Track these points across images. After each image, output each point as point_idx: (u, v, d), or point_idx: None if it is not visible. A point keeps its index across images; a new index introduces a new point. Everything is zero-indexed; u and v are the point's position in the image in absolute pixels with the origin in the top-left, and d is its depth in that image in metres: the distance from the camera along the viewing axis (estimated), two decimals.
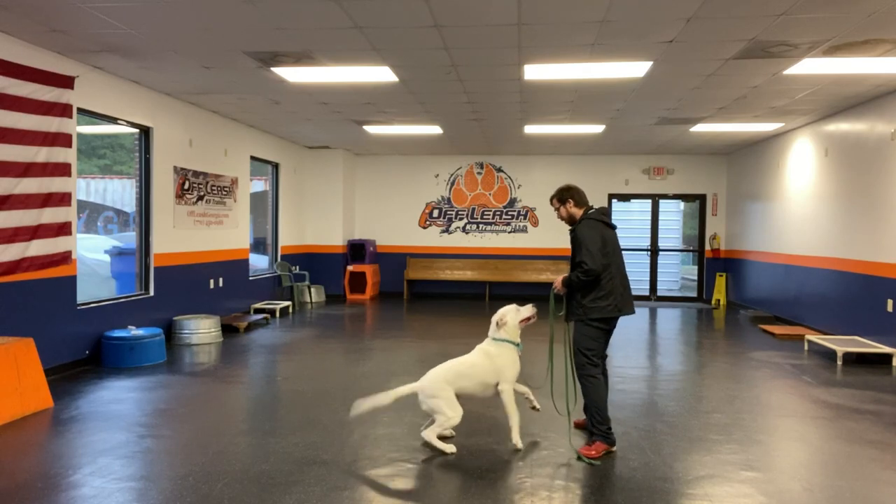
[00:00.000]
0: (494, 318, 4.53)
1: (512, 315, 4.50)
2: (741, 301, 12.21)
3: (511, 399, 4.35)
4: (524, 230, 13.46)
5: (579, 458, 4.12)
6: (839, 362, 7.09)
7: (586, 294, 4.29)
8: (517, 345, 4.49)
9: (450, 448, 4.24)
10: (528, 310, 4.54)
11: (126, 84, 7.22)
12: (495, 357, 4.42)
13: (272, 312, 10.36)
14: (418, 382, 4.40)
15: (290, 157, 12.05)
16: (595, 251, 4.21)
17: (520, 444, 4.30)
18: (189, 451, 4.21)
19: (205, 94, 7.96)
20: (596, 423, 4.26)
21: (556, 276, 4.63)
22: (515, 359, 4.45)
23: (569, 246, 4.50)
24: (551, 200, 4.63)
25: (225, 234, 9.56)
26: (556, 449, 4.30)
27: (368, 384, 5.99)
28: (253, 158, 10.60)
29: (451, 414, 4.28)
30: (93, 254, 10.00)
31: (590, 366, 4.33)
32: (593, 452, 4.16)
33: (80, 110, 6.48)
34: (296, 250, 12.42)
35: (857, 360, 7.25)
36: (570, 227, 4.51)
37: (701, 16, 4.95)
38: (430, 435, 4.29)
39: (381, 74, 6.72)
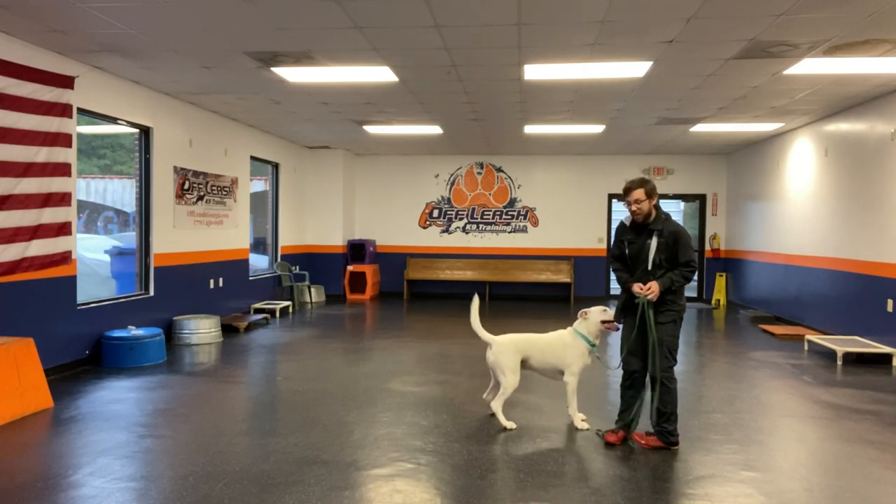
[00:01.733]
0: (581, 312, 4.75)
1: (596, 314, 4.69)
2: (741, 301, 12.20)
3: (573, 390, 4.70)
4: (524, 230, 13.46)
5: (625, 441, 4.37)
6: (839, 362, 7.08)
7: (681, 294, 4.28)
8: (592, 345, 4.70)
9: (510, 424, 4.65)
10: (610, 314, 4.68)
11: (126, 84, 7.21)
12: (568, 346, 4.70)
13: (272, 312, 10.36)
14: (494, 337, 4.82)
15: (290, 157, 12.05)
16: (694, 251, 4.24)
17: (582, 426, 4.69)
18: (189, 451, 4.21)
19: (205, 94, 7.96)
20: (664, 423, 4.25)
21: (652, 283, 4.19)
22: (584, 354, 4.69)
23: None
24: (629, 192, 4.22)
25: (225, 234, 9.56)
26: (557, 449, 4.30)
27: (368, 384, 6.00)
28: (253, 158, 10.60)
29: (511, 378, 4.67)
30: (93, 254, 10.00)
31: (673, 367, 4.33)
32: (643, 443, 4.31)
33: (80, 110, 6.48)
34: (296, 250, 12.42)
35: (857, 360, 7.24)
36: (646, 224, 4.27)
37: (701, 16, 4.95)
38: (496, 405, 4.70)
39: (381, 74, 6.72)
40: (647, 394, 4.43)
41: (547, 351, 4.76)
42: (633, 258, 4.34)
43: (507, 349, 4.75)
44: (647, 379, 4.41)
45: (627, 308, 4.42)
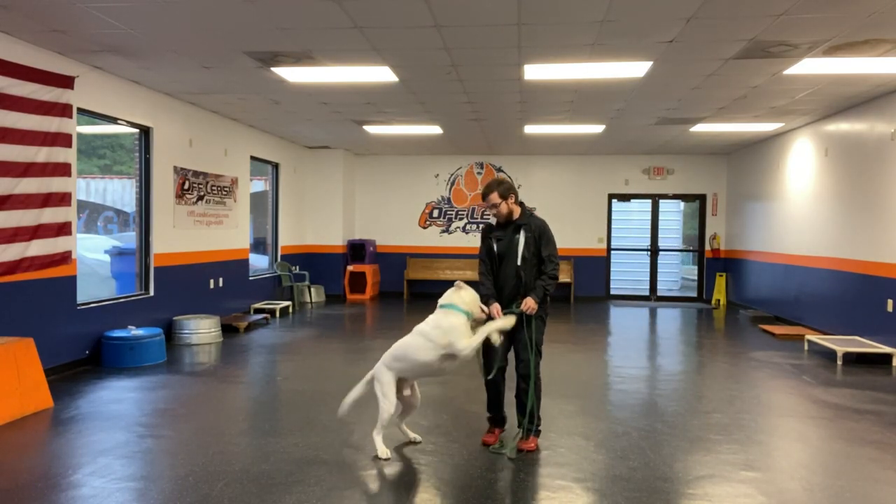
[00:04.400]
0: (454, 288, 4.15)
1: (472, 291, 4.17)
2: (741, 301, 12.20)
3: (474, 348, 4.01)
4: None
5: (519, 451, 4.17)
6: (839, 362, 7.08)
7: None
8: (466, 313, 4.06)
9: (384, 452, 4.03)
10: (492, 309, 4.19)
11: (126, 84, 7.21)
12: (436, 326, 4.03)
13: (272, 312, 10.36)
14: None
15: (290, 157, 12.05)
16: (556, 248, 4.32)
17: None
18: (189, 451, 4.21)
19: (205, 94, 7.96)
20: (536, 419, 4.29)
21: (527, 300, 4.16)
22: (463, 322, 4.03)
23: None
24: (486, 196, 4.26)
25: (225, 234, 9.56)
26: (556, 449, 4.29)
27: None
28: (253, 158, 10.60)
29: (384, 404, 4.08)
30: (93, 254, 10.00)
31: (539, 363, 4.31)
32: (533, 445, 4.25)
33: (80, 110, 6.48)
34: (296, 250, 12.42)
35: (857, 360, 7.24)
36: (514, 224, 4.29)
37: (701, 16, 4.94)
38: (376, 434, 4.09)
39: (381, 74, 6.72)
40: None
41: (412, 349, 4.16)
42: (502, 254, 4.30)
43: (380, 370, 4.21)
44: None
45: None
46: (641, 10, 4.86)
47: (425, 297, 13.39)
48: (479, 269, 4.39)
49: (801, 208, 9.64)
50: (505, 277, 4.30)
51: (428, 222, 13.69)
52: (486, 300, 4.23)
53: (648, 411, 5.23)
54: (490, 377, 4.34)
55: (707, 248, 13.20)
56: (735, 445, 4.40)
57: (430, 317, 4.14)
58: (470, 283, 4.20)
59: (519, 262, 4.25)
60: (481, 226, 13.45)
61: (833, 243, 8.64)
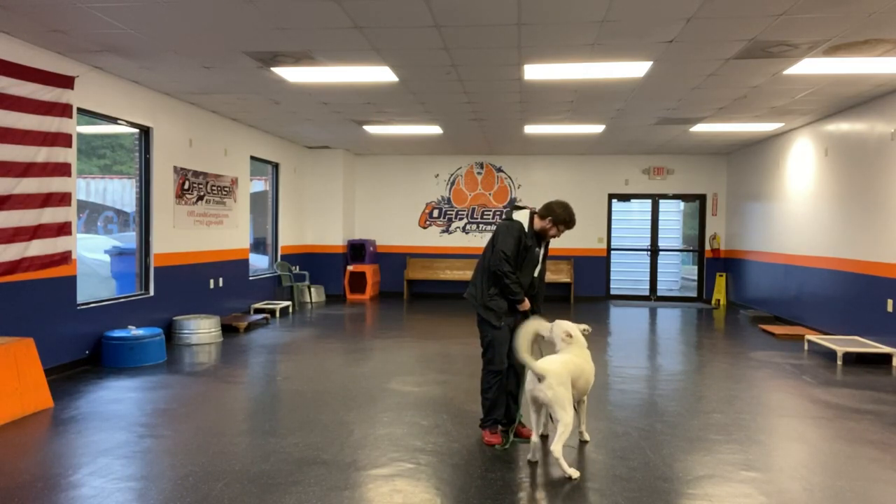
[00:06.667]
0: (565, 331, 4.28)
1: (572, 326, 4.35)
2: (741, 301, 12.20)
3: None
4: None
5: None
6: (839, 362, 7.08)
7: None
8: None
9: (575, 472, 3.78)
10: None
11: (126, 84, 7.21)
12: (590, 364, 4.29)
13: (272, 312, 10.36)
14: (545, 364, 3.89)
15: (290, 157, 12.05)
16: None
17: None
18: (189, 451, 4.21)
19: (205, 94, 7.96)
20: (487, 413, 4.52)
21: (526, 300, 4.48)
22: None
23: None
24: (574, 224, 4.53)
25: (225, 234, 9.56)
26: None
27: (368, 384, 6.00)
28: (253, 158, 10.60)
29: (572, 412, 3.88)
30: (93, 254, 9.99)
31: None
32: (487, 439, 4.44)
33: (80, 110, 6.48)
34: (296, 250, 12.42)
35: (857, 360, 7.24)
36: (545, 240, 4.56)
37: (701, 16, 4.95)
38: (558, 449, 3.76)
39: (381, 74, 6.72)
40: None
41: (588, 371, 4.24)
42: (523, 260, 4.44)
43: (566, 378, 3.90)
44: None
45: (511, 312, 4.47)
46: (641, 10, 4.86)
47: (425, 297, 13.40)
48: (507, 266, 4.32)
49: (801, 208, 9.64)
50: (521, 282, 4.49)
51: (428, 222, 13.69)
52: (520, 298, 4.40)
53: (648, 411, 5.23)
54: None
55: (707, 248, 13.20)
56: (735, 445, 4.41)
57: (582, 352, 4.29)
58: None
59: (536, 273, 4.51)
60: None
61: (833, 243, 8.64)
